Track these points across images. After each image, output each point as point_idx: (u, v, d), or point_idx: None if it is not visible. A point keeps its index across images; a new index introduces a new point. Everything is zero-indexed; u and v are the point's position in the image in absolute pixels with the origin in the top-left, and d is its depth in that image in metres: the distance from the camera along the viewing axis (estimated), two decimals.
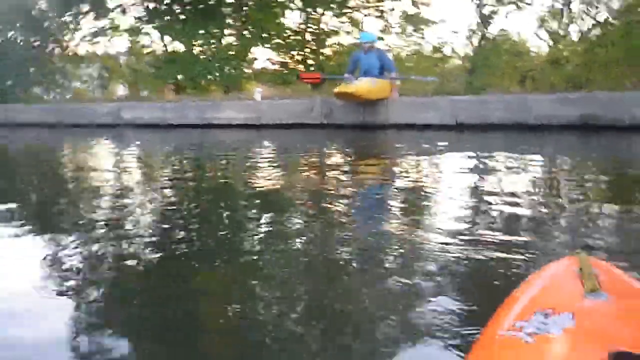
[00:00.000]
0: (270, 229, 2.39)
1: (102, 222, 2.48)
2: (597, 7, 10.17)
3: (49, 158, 6.08)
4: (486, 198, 2.90)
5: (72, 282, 1.66)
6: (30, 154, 6.78)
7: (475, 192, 3.16)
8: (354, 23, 12.82)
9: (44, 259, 1.88)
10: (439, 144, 5.73)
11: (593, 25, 10.29)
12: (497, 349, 0.73)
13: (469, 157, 4.70)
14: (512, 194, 2.89)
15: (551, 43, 10.99)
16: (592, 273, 0.80)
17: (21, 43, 16.83)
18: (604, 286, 0.78)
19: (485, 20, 11.23)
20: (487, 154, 4.83)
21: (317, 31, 13.08)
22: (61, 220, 2.67)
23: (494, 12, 11.09)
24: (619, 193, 3.17)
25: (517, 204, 2.67)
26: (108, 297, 1.56)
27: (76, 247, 2.04)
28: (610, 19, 9.96)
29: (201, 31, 13.42)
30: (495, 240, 1.93)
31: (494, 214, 2.49)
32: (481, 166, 4.20)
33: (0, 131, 10.43)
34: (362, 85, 7.25)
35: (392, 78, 7.74)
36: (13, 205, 2.92)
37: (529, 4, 10.91)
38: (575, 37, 10.54)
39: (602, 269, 0.85)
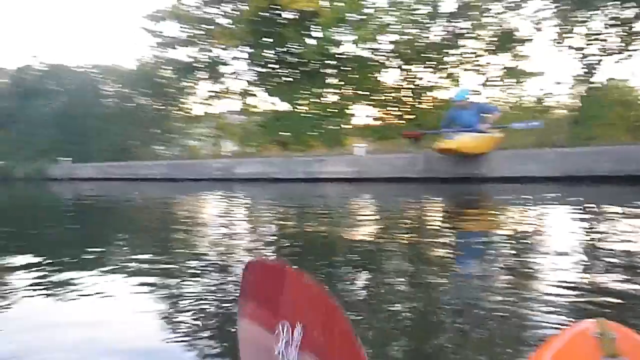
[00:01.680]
0: (368, 282, 2.60)
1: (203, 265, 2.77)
2: None
3: (168, 208, 6.83)
4: (594, 252, 2.97)
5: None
6: (151, 204, 7.63)
7: (583, 246, 3.22)
8: (452, 78, 13.08)
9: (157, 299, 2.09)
10: (542, 195, 5.72)
11: None
12: None
13: (575, 210, 4.69)
14: (623, 251, 2.93)
15: None
16: (611, 337, 0.81)
17: (146, 107, 19.01)
18: (623, 351, 0.80)
19: (590, 70, 11.00)
20: (595, 207, 4.78)
21: (415, 87, 13.48)
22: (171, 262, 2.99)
23: (599, 62, 10.85)
24: None
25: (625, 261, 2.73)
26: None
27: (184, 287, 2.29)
28: None
29: (304, 91, 14.43)
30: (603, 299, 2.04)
31: (603, 266, 2.58)
32: (588, 218, 4.20)
33: (128, 185, 11.74)
34: (464, 140, 7.39)
35: (494, 128, 7.76)
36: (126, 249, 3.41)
37: (635, 51, 10.56)
38: None
39: (622, 334, 0.87)
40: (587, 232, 3.73)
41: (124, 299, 2.15)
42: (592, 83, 10.94)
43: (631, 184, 6.45)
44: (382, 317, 1.94)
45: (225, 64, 15.77)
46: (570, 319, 1.74)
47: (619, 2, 10.02)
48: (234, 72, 15.79)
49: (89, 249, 3.56)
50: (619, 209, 4.64)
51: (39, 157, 17.51)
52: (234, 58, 15.57)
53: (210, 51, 15.57)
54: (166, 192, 9.97)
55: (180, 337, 1.65)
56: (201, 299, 2.10)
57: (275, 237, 3.91)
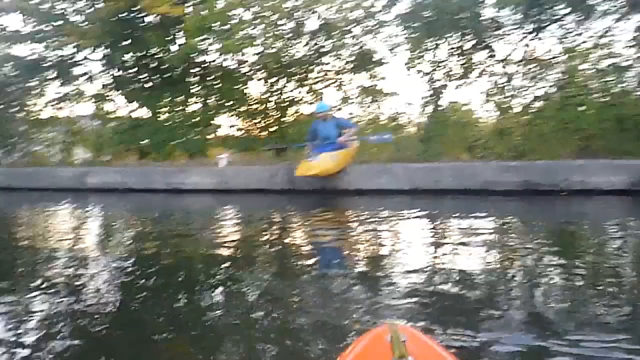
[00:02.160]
0: (231, 288, 2.63)
1: (57, 287, 2.61)
2: (536, 83, 11.16)
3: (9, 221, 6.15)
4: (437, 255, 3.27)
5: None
6: None
7: (428, 249, 3.53)
8: (315, 93, 13.53)
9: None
10: (396, 206, 6.17)
11: (534, 98, 11.26)
12: None
13: (423, 217, 5.12)
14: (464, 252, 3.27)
15: (497, 114, 11.86)
16: (401, 340, 0.86)
17: None
18: (412, 352, 0.85)
19: (436, 93, 12.09)
20: (440, 216, 5.26)
21: (279, 100, 13.70)
22: (16, 283, 2.82)
23: (444, 86, 11.98)
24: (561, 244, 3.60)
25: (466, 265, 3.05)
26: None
27: (30, 311, 2.16)
28: (548, 93, 10.95)
29: (166, 99, 13.89)
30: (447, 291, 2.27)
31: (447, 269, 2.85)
32: (436, 226, 4.61)
33: None
34: (324, 162, 7.63)
35: (350, 139, 8.17)
36: None
37: (476, 80, 11.85)
38: (518, 109, 11.43)
39: (411, 337, 0.93)
40: (425, 238, 4.09)
41: None
42: (438, 105, 12.03)
43: (468, 196, 7.22)
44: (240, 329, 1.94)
45: (77, 64, 14.59)
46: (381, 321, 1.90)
47: (460, 34, 11.20)
48: (87, 74, 14.66)
49: None
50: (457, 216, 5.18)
51: None
52: (86, 59, 14.46)
53: (61, 49, 14.29)
54: (2, 203, 8.94)
55: None
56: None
57: (127, 255, 3.71)
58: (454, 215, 5.36)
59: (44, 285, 2.64)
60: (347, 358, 0.94)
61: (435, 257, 3.25)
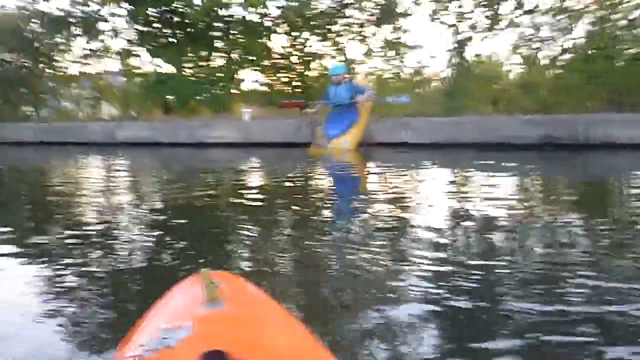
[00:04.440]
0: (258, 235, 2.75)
1: (88, 237, 2.68)
2: (564, 35, 10.88)
3: (43, 175, 6.47)
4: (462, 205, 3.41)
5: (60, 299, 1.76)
6: (21, 172, 7.14)
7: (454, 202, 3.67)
8: (338, 47, 13.42)
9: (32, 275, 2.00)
10: (419, 159, 6.28)
11: (562, 51, 11.00)
12: None
13: (442, 170, 5.24)
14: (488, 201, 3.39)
15: (523, 68, 11.65)
16: (213, 285, 0.83)
17: (12, 64, 17.20)
18: (225, 296, 0.83)
19: (461, 46, 11.89)
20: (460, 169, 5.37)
21: (303, 54, 13.65)
22: (48, 233, 2.92)
23: (469, 38, 11.75)
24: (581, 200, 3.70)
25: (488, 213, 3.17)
26: (96, 314, 1.63)
27: (62, 263, 2.19)
28: (577, 45, 10.68)
29: (190, 54, 13.97)
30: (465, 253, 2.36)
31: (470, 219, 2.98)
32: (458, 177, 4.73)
33: None
34: (336, 147, 7.52)
35: (366, 101, 7.98)
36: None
37: (502, 30, 11.59)
38: (545, 62, 11.20)
39: (227, 281, 0.91)
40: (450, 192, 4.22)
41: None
42: (463, 58, 11.85)
43: (489, 150, 7.25)
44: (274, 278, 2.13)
45: (102, 20, 14.70)
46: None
47: None
48: (113, 30, 14.78)
49: None
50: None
51: None
52: (112, 15, 14.55)
53: (87, 5, 14.40)
54: (41, 157, 9.31)
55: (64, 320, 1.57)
56: (83, 276, 2.10)
57: (163, 204, 3.93)
58: (473, 169, 5.45)
59: (76, 233, 2.84)
60: (158, 308, 0.90)
61: (455, 210, 3.37)
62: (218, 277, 0.89)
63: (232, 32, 13.93)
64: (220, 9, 13.09)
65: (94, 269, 2.09)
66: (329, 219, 3.18)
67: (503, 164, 5.55)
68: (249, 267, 2.13)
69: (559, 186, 4.45)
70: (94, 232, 2.77)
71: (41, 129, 12.30)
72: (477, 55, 11.99)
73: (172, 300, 0.91)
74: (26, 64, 17.28)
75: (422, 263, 2.01)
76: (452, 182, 4.78)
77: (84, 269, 2.09)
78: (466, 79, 11.28)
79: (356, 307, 1.64)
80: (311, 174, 5.68)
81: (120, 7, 14.28)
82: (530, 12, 11.05)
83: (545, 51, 10.98)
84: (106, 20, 14.75)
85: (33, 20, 15.55)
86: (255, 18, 13.53)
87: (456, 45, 11.74)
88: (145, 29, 14.42)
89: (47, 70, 17.25)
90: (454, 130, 7.76)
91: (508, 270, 1.93)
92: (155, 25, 14.35)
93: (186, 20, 13.46)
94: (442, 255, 2.14)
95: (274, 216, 3.27)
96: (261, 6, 12.61)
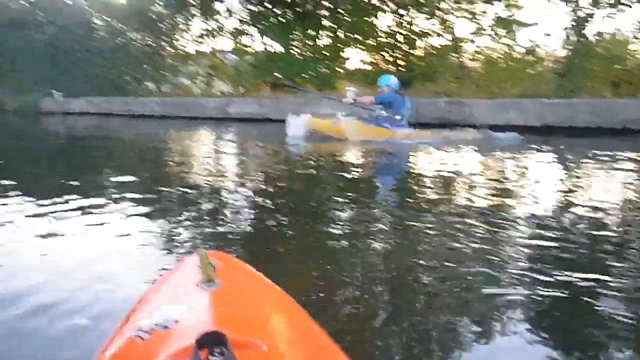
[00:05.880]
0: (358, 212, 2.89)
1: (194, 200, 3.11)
2: None
3: (168, 144, 7.12)
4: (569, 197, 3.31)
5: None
6: (154, 141, 7.90)
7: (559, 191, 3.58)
8: (445, 25, 13.10)
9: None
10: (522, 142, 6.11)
11: None
12: (118, 349, 0.71)
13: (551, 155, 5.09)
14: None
15: None
16: (209, 265, 0.83)
17: (138, 43, 18.76)
18: (221, 276, 0.82)
19: (580, 23, 11.12)
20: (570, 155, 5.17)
21: (409, 33, 13.50)
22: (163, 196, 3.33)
23: (590, 15, 10.96)
24: None
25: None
26: None
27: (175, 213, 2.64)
28: None
29: (298, 33, 14.39)
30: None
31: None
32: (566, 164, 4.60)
33: (123, 121, 11.93)
34: (343, 127, 7.04)
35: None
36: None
37: (628, 6, 10.68)
38: None
39: (224, 262, 0.91)
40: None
41: (119, 226, 2.43)
42: (582, 36, 11.09)
43: (604, 136, 6.84)
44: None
45: (218, 0, 15.56)
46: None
47: None
48: (227, 10, 15.60)
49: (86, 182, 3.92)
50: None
51: (30, 90, 17.39)
52: None
53: None
54: (164, 129, 10.19)
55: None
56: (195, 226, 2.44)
57: (263, 177, 4.25)
58: (586, 156, 5.20)
59: (187, 196, 3.22)
60: (156, 288, 0.90)
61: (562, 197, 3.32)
62: (215, 257, 0.88)
63: (339, 10, 14.12)
64: None
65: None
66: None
67: (620, 153, 5.19)
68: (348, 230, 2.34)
69: None
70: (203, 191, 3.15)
71: (163, 104, 13.40)
72: (598, 34, 11.15)
73: (169, 280, 0.90)
74: (150, 43, 18.76)
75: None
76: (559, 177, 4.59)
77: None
78: (584, 59, 10.56)
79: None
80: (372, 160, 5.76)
81: None
82: None
83: None
84: (221, 1, 15.60)
85: (157, 1, 16.80)
86: None
87: (575, 22, 11.00)
88: (257, 8, 15.04)
89: (167, 49, 18.63)
90: (566, 112, 7.39)
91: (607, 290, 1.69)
92: (266, 4, 14.93)
93: (295, 0, 13.85)
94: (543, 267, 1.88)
95: (372, 194, 3.45)
96: None
